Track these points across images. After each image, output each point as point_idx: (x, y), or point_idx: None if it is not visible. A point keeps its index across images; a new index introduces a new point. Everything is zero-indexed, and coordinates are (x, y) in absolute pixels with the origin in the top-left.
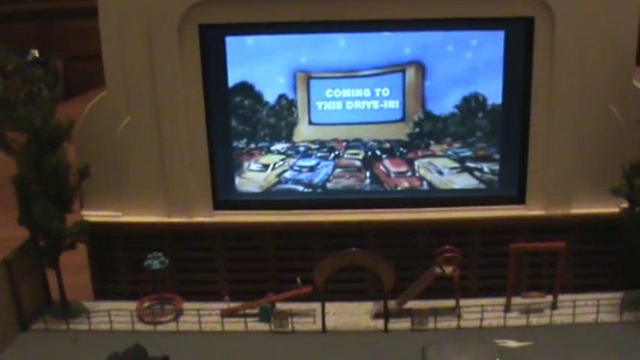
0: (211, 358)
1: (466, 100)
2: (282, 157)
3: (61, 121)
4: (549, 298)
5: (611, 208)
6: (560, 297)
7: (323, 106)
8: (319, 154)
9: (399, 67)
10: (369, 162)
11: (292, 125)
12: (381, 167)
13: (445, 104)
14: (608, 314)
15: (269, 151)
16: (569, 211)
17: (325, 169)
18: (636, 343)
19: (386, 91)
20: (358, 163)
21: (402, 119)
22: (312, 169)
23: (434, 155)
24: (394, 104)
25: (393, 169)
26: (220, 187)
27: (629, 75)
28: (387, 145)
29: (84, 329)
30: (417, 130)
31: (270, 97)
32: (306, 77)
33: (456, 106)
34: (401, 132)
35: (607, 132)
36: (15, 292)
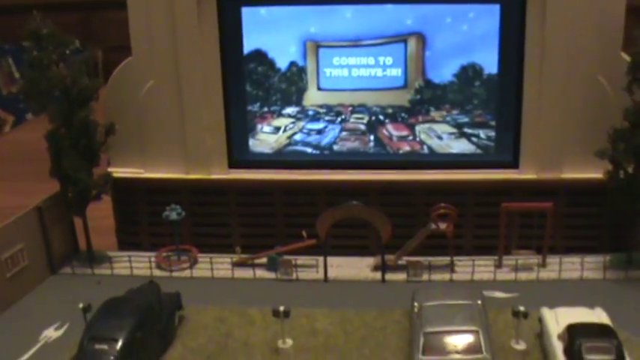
0: (221, 300)
1: (464, 69)
2: (293, 120)
3: (89, 81)
4: (539, 257)
5: (599, 173)
6: (549, 257)
7: (330, 73)
8: (327, 118)
9: (401, 38)
10: (373, 126)
11: (302, 91)
12: (384, 131)
13: (444, 73)
14: (593, 272)
15: (280, 115)
16: (560, 176)
17: (332, 132)
18: (617, 296)
19: (389, 60)
20: (363, 127)
21: (404, 86)
22: (320, 131)
23: (433, 121)
24: (396, 72)
25: (395, 133)
26: (235, 147)
27: (617, 46)
28: (390, 111)
29: (107, 274)
30: (418, 97)
31: (281, 64)
32: (315, 46)
33: (455, 75)
34: (402, 98)
35: (595, 100)
36: (46, 238)
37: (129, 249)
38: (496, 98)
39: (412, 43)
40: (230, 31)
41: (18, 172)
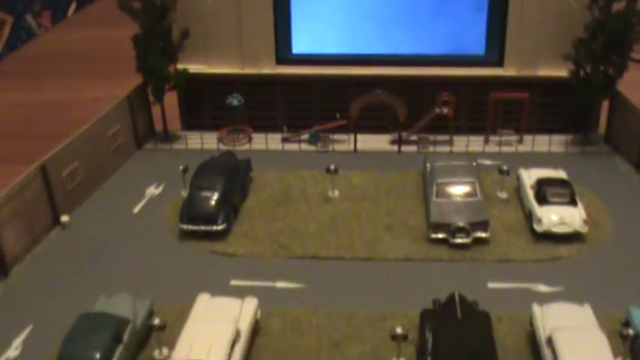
0: (277, 166)
1: None
2: None
3: None
4: (517, 135)
5: (565, 72)
6: (525, 135)
7: None
8: None
9: None
10: None
11: None
12: None
13: None
14: (558, 147)
15: None
16: (535, 73)
17: None
18: (575, 164)
19: None
20: None
21: None
22: None
23: None
24: None
25: None
26: (281, 47)
27: None
28: None
29: (182, 148)
30: None
31: None
32: None
33: None
34: None
35: (564, 14)
36: (134, 120)
37: (192, 130)
38: (487, 10)
39: None
40: None
41: (64, 71)
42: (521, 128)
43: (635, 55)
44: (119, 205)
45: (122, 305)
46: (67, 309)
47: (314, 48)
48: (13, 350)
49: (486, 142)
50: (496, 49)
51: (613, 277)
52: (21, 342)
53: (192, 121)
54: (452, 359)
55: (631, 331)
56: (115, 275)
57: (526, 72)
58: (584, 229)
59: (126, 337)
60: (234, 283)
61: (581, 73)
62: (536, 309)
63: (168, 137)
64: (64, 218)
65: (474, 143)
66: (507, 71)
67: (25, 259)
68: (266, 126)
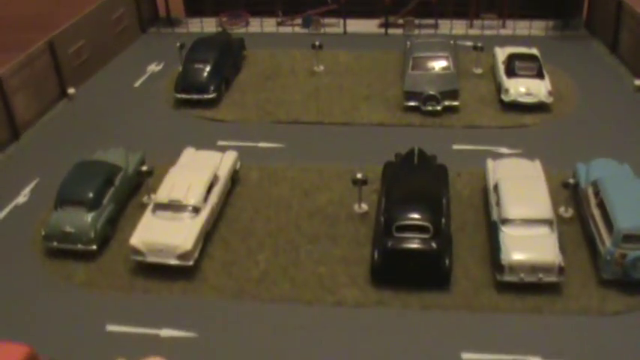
0: (270, 46)
1: None
2: None
3: None
4: (500, 19)
5: None
6: (507, 20)
7: None
8: None
9: None
10: None
11: None
12: None
13: None
14: (538, 31)
15: None
16: None
17: None
18: (552, 44)
19: None
20: None
21: None
22: None
23: None
24: None
25: None
26: None
27: None
28: None
29: (184, 32)
30: None
31: None
32: None
33: None
34: None
35: None
36: (137, 5)
37: (194, 16)
38: None
39: None
40: None
41: None
42: (504, 13)
43: None
44: (121, 80)
45: (116, 156)
46: (70, 164)
47: None
48: (22, 197)
49: (470, 26)
50: None
51: (571, 143)
52: (29, 191)
53: (195, 7)
54: (402, 196)
55: (572, 180)
56: (114, 137)
57: None
58: (549, 100)
59: (117, 181)
60: (220, 143)
61: None
62: (490, 162)
63: (171, 22)
64: (71, 90)
65: (458, 27)
66: None
67: (34, 125)
68: (262, 11)
